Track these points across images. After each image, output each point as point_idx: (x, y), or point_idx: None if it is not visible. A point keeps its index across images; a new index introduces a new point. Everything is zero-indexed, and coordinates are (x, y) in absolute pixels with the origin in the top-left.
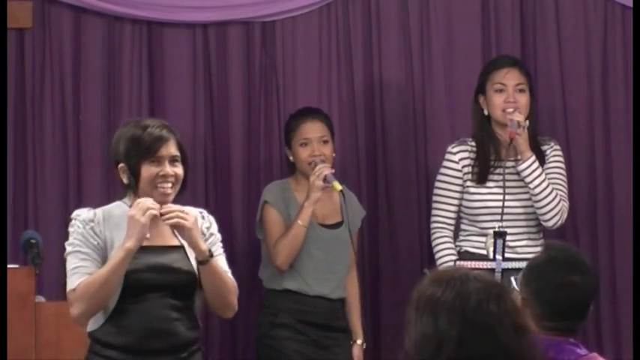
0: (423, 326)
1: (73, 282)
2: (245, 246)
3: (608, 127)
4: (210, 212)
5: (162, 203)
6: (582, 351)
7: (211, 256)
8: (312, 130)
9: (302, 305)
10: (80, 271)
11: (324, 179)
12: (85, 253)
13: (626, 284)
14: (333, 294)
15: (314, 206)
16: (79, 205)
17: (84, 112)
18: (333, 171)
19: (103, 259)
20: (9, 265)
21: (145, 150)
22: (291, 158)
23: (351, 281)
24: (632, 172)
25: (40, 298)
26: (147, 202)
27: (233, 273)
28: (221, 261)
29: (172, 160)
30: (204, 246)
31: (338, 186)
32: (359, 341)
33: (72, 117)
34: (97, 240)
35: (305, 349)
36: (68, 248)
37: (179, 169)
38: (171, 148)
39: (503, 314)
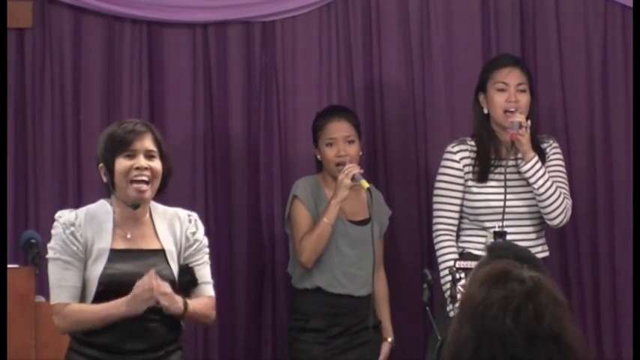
0: (454, 330)
1: (58, 295)
2: (244, 246)
3: (608, 127)
4: (210, 212)
5: (138, 201)
6: None
7: (186, 308)
8: (338, 129)
9: (331, 308)
10: (63, 285)
11: (353, 178)
12: (65, 261)
13: (626, 283)
14: (359, 291)
15: (342, 203)
16: (79, 205)
17: (84, 112)
18: (362, 171)
19: (83, 263)
20: (9, 265)
21: (118, 143)
22: (318, 157)
23: (381, 279)
24: (632, 171)
25: (40, 298)
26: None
27: (232, 273)
28: (204, 270)
29: (148, 155)
30: (178, 304)
31: (366, 184)
32: (390, 339)
33: (72, 117)
34: (77, 245)
35: (332, 352)
36: (50, 252)
37: (156, 164)
38: (147, 142)
39: (517, 327)
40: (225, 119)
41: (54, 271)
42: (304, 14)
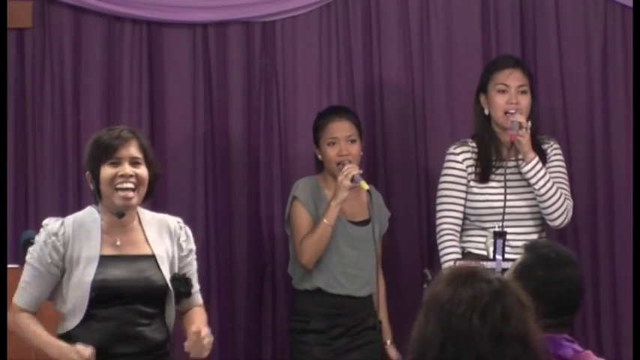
0: (419, 326)
1: (18, 296)
2: (244, 246)
3: (608, 127)
4: (210, 212)
5: (124, 208)
6: (578, 348)
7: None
8: (340, 129)
9: (331, 308)
10: (26, 289)
11: (352, 179)
12: (36, 269)
13: (626, 283)
14: (359, 292)
15: (342, 204)
16: (78, 205)
17: (84, 112)
18: (361, 172)
19: (54, 275)
20: (9, 265)
21: (103, 150)
22: (319, 157)
23: (380, 280)
24: (632, 171)
25: None
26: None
27: (232, 273)
28: (194, 279)
29: (133, 162)
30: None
31: (365, 185)
32: (388, 341)
33: (72, 117)
34: (54, 257)
35: (333, 353)
36: (28, 255)
37: (141, 170)
38: (132, 149)
39: (484, 327)
40: (225, 119)
41: (25, 273)
42: (304, 14)
